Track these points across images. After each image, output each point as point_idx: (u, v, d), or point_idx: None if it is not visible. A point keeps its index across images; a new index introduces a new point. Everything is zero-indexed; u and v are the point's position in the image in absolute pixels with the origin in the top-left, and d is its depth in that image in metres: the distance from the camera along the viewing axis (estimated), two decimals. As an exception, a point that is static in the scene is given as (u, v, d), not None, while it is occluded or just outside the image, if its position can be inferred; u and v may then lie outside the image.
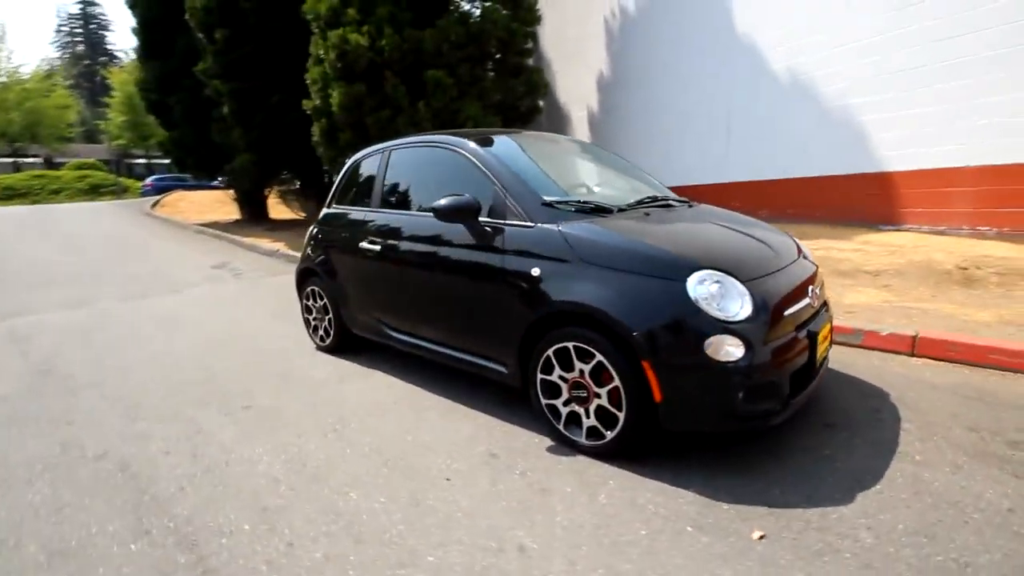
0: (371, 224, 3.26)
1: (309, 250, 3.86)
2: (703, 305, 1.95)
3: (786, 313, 2.09)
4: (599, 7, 10.21)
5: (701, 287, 1.98)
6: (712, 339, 1.92)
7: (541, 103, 9.97)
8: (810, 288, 2.32)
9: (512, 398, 2.82)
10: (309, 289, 3.88)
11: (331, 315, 3.69)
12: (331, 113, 8.47)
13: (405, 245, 2.99)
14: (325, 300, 3.71)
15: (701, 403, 1.98)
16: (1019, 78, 4.85)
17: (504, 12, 8.44)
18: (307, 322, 4.02)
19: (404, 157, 3.21)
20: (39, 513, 2.07)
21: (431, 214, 2.82)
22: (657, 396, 1.99)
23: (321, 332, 3.87)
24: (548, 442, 2.40)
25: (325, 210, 3.85)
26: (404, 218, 3.04)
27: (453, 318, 2.77)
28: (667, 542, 1.72)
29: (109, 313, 5.37)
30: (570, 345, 2.20)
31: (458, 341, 2.79)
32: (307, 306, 3.96)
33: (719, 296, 1.97)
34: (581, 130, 11.20)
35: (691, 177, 8.44)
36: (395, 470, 2.25)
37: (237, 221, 14.84)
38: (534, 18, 9.08)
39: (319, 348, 3.93)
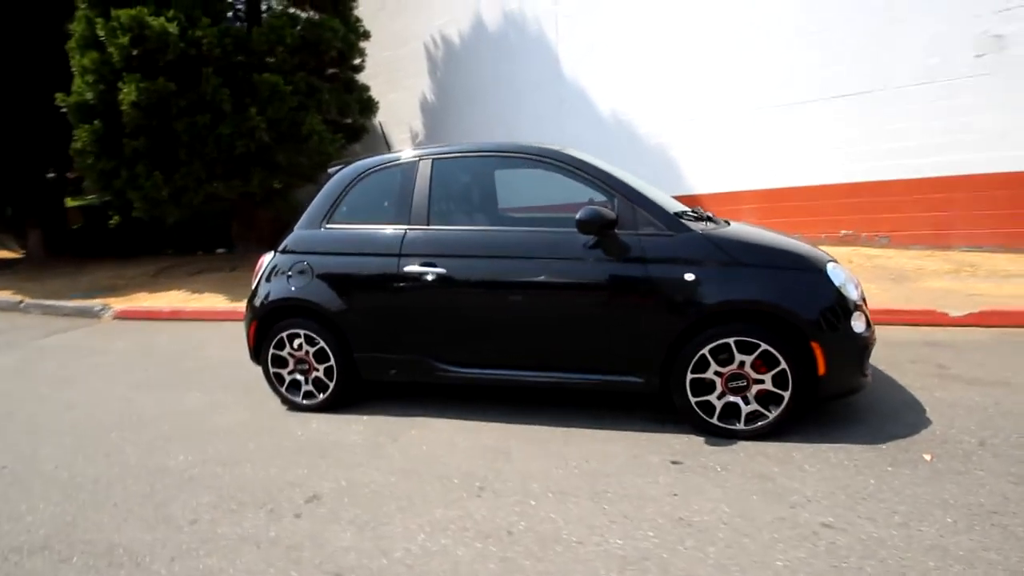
0: (420, 244, 2.76)
1: (288, 283, 3.00)
2: (843, 290, 2.40)
3: None
4: (417, 32, 10.31)
5: (836, 276, 2.43)
6: (852, 316, 2.39)
7: (367, 123, 9.53)
8: None
9: (609, 409, 2.81)
10: (286, 334, 3.00)
11: (333, 362, 2.95)
12: (114, 113, 6.42)
13: (491, 265, 2.67)
14: (321, 343, 2.94)
15: (848, 369, 2.41)
16: (774, 132, 7.00)
17: (338, 21, 7.81)
18: (276, 378, 3.09)
19: (459, 168, 2.86)
20: None
21: (528, 228, 2.66)
22: (822, 370, 2.35)
23: (308, 387, 3.04)
24: (698, 438, 2.50)
25: (306, 231, 3.06)
26: (487, 235, 2.70)
27: (571, 338, 2.60)
28: (896, 480, 2.06)
29: None
30: (731, 340, 2.39)
31: (572, 362, 2.64)
32: (277, 357, 3.05)
33: (846, 282, 2.45)
34: (405, 152, 11.03)
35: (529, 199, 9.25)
36: (612, 504, 2.04)
37: None
38: (364, 33, 8.67)
39: (300, 408, 3.07)
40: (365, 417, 2.97)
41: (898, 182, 6.36)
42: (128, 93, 6.10)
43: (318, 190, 3.12)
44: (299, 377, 3.07)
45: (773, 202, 7.22)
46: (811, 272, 2.42)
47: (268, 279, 3.09)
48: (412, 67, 10.42)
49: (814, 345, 2.33)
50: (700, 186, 7.74)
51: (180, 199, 6.82)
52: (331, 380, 2.99)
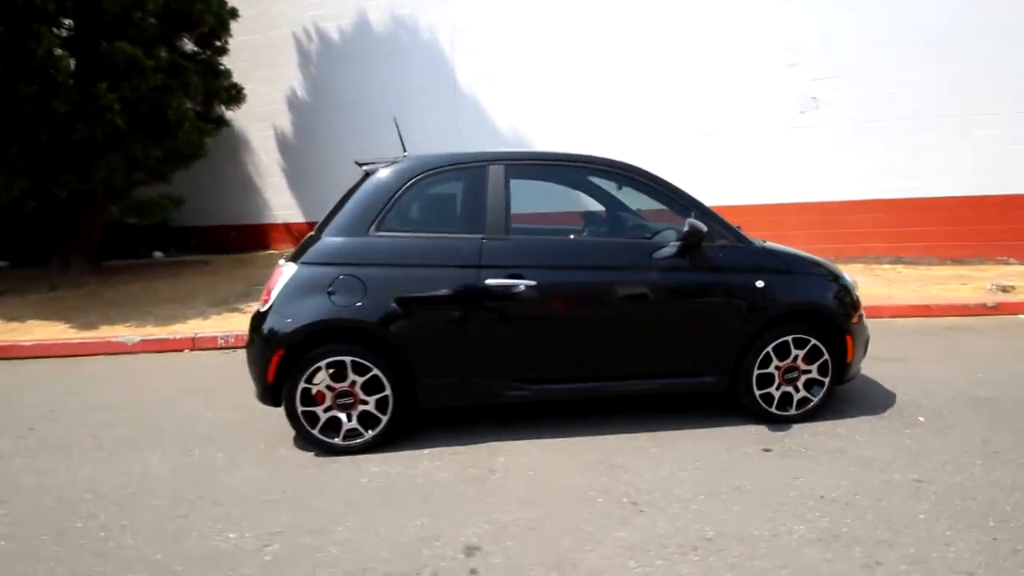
0: (502, 255, 2.56)
1: (330, 300, 2.48)
2: (854, 292, 2.96)
3: None
4: (285, 18, 9.20)
5: (849, 280, 2.98)
6: (860, 311, 2.96)
7: (226, 115, 8.20)
8: None
9: (651, 411, 2.94)
10: (326, 363, 2.49)
11: (388, 392, 2.54)
12: None
13: (580, 275, 2.61)
14: (375, 371, 2.51)
15: (861, 355, 2.97)
16: (656, 160, 8.02)
17: (208, -7, 6.57)
18: (308, 418, 2.53)
19: (534, 175, 2.72)
20: None
21: (613, 237, 2.67)
22: (850, 357, 2.85)
23: (353, 424, 2.56)
24: (761, 427, 2.80)
25: (348, 239, 2.58)
26: (574, 245, 2.63)
27: (657, 345, 2.69)
28: (922, 440, 2.61)
29: None
30: (790, 338, 2.75)
31: (655, 369, 2.73)
32: (308, 392, 2.50)
33: (854, 286, 3.02)
34: (267, 152, 9.66)
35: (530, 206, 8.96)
36: (759, 495, 2.19)
37: None
38: (232, 11, 7.44)
39: (337, 451, 2.58)
40: (425, 451, 2.61)
41: (744, 207, 7.87)
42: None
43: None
44: (339, 415, 2.55)
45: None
46: (837, 278, 2.93)
47: (294, 297, 2.51)
48: (279, 57, 9.25)
49: (847, 338, 2.83)
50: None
51: (-18, 194, 4.94)
52: (384, 413, 2.56)
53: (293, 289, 2.53)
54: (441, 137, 8.75)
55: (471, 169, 2.70)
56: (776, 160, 7.62)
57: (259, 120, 9.43)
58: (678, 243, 2.62)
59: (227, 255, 9.21)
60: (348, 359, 2.50)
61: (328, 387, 2.53)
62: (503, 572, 1.77)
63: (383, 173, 2.67)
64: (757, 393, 2.78)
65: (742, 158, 7.72)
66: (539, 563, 1.81)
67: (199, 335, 4.48)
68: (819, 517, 2.04)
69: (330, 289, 2.51)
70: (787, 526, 1.99)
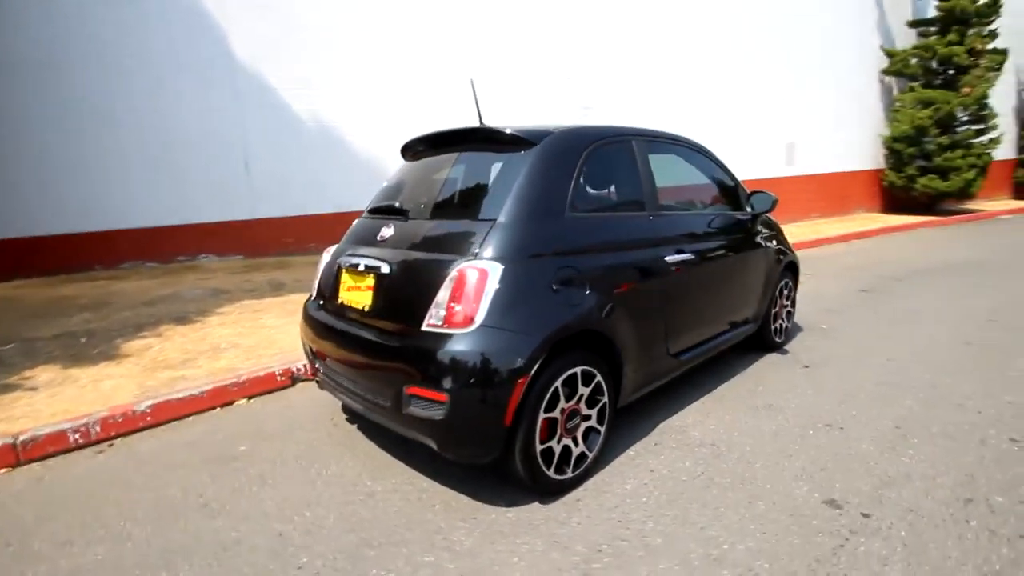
0: (665, 230, 2.54)
1: (559, 301, 1.98)
2: (788, 245, 4.07)
3: None
4: None
5: (782, 237, 4.06)
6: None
7: None
8: None
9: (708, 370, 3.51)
10: (561, 380, 1.99)
11: (606, 398, 2.21)
12: None
13: (710, 245, 2.84)
14: (598, 377, 2.14)
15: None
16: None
17: None
18: (545, 458, 1.98)
19: (657, 152, 2.66)
20: None
21: (712, 211, 2.99)
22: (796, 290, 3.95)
23: (581, 448, 2.14)
24: (772, 354, 3.60)
25: (547, 223, 2.07)
26: (699, 219, 2.76)
27: (743, 301, 3.13)
28: (845, 333, 3.90)
29: None
30: (783, 282, 3.62)
31: (735, 322, 3.17)
32: (552, 421, 1.97)
33: (781, 240, 4.13)
34: None
35: (201, 215, 6.69)
36: (862, 395, 2.92)
37: None
38: None
39: (565, 489, 2.11)
40: (630, 452, 2.37)
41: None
42: None
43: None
44: (568, 442, 2.05)
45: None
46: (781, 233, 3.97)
47: (517, 303, 1.86)
48: None
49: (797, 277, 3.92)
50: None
51: None
52: (602, 424, 2.20)
53: (512, 293, 1.88)
54: (217, 118, 6.77)
55: (622, 143, 2.51)
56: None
57: None
58: (758, 212, 3.15)
59: None
60: (579, 369, 2.04)
61: (563, 410, 2.01)
62: (878, 505, 1.95)
63: (556, 143, 2.20)
64: (772, 327, 3.58)
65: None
66: (874, 486, 2.06)
67: (25, 438, 2.44)
68: (912, 391, 2.91)
69: (554, 287, 1.98)
70: (910, 405, 2.77)
